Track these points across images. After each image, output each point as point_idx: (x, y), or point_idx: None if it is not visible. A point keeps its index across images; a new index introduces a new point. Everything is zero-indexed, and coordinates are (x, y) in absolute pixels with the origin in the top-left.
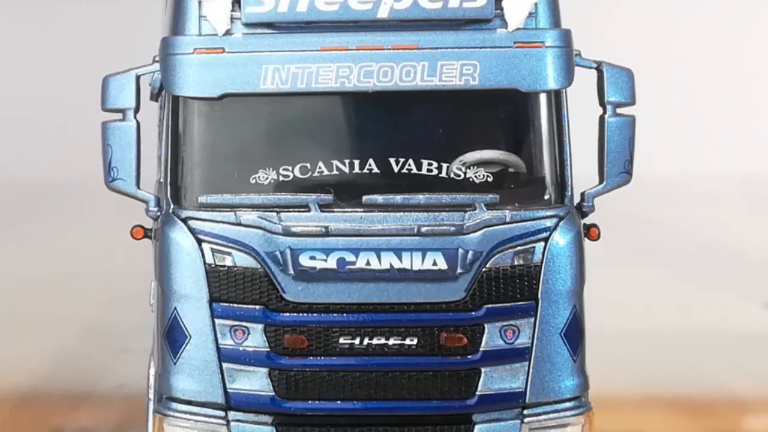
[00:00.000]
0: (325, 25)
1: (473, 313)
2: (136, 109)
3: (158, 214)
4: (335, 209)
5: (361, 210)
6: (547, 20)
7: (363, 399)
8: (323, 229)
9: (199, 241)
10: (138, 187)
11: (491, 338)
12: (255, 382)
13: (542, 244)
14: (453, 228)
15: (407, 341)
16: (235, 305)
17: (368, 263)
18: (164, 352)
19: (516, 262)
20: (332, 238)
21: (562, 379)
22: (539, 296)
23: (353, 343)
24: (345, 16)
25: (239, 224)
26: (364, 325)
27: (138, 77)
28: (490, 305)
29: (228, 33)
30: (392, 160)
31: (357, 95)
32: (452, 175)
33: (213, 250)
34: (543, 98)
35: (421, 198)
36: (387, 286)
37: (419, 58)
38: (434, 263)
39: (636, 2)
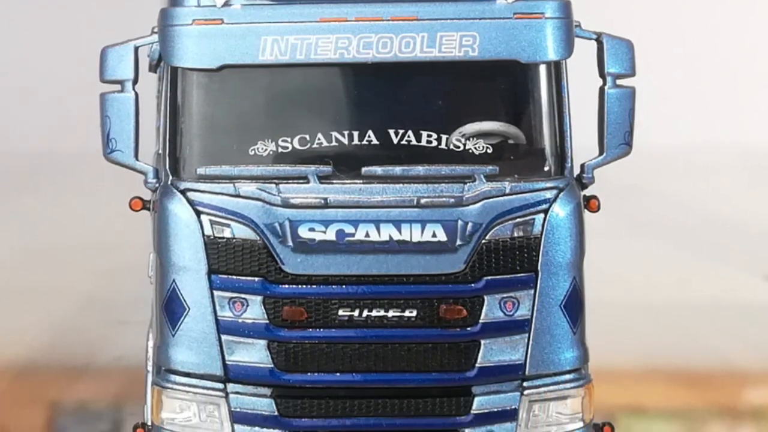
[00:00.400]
0: None
1: (472, 285)
2: (135, 81)
3: (157, 185)
4: (334, 181)
5: (361, 181)
6: None
7: (362, 371)
8: (322, 201)
9: (198, 213)
10: (136, 159)
11: (491, 310)
12: (254, 354)
13: (542, 215)
14: (452, 199)
15: (406, 313)
16: (234, 277)
17: (367, 235)
18: (163, 324)
19: (515, 234)
20: (331, 209)
21: (561, 351)
22: (539, 268)
23: (352, 315)
24: None
25: (238, 196)
26: (363, 297)
27: (136, 48)
28: (489, 277)
29: (227, 4)
30: (391, 132)
31: (356, 66)
32: (451, 147)
33: (212, 222)
34: (543, 69)
35: (420, 169)
36: (386, 258)
37: (418, 30)
38: (433, 235)
39: None
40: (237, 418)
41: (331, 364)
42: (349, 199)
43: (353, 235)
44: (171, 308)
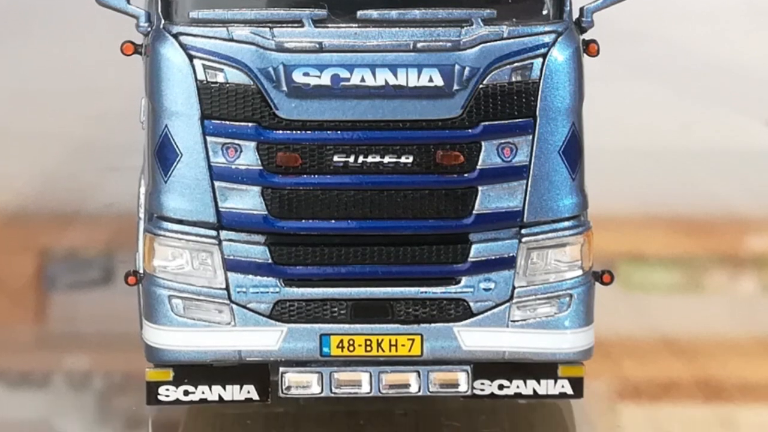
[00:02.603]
0: None
1: (470, 130)
2: None
3: (149, 29)
4: (329, 24)
5: (356, 25)
6: None
7: (358, 218)
8: (317, 45)
9: (191, 57)
10: (128, 2)
11: (488, 156)
12: (247, 200)
13: (540, 60)
14: (449, 44)
15: (403, 159)
16: (227, 122)
17: (363, 79)
18: (155, 171)
19: (513, 79)
20: (326, 54)
21: (560, 197)
22: (537, 113)
23: (347, 161)
24: None
25: (231, 40)
26: (358, 142)
27: None
28: (487, 122)
29: None
30: None
31: None
32: None
33: (204, 66)
34: None
35: (416, 13)
36: (382, 103)
37: None
38: (430, 79)
39: None
40: (230, 265)
41: (326, 210)
42: (345, 43)
43: (348, 79)
44: (163, 154)
